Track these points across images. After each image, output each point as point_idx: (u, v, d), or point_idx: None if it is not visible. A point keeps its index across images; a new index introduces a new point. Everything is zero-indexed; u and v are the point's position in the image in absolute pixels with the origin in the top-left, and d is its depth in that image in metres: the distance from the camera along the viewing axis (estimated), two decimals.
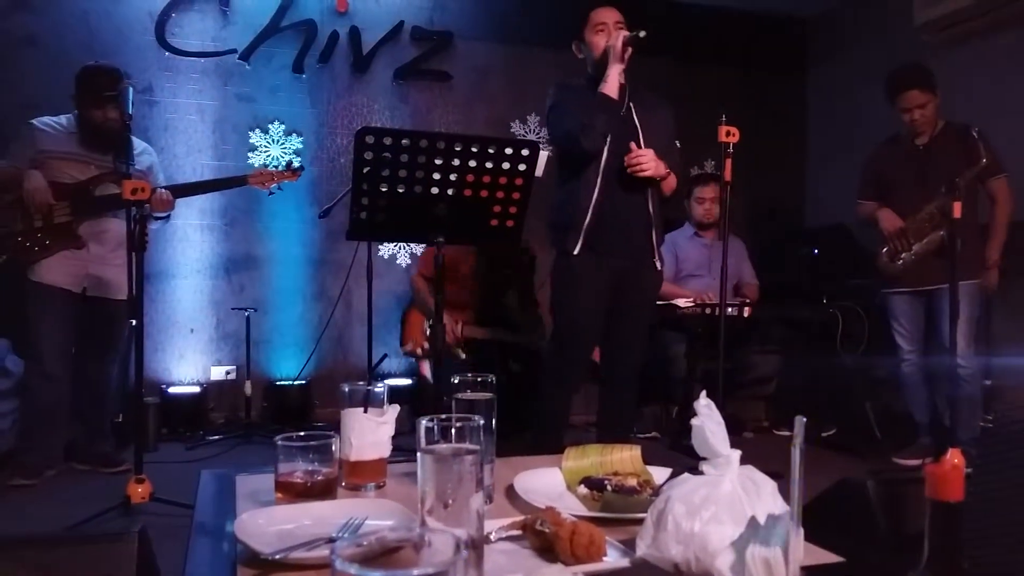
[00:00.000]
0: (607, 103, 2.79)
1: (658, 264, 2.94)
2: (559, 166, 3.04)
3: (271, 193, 3.86)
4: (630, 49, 2.80)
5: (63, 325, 3.43)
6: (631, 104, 2.89)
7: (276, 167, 4.38)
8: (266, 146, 4.75)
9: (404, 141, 2.04)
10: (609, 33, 2.85)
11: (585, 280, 2.86)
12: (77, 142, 3.45)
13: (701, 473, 0.94)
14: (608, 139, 2.82)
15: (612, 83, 2.80)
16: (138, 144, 3.52)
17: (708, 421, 0.93)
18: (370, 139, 2.03)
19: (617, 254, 2.86)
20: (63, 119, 3.49)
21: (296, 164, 3.94)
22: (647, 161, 2.76)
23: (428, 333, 4.09)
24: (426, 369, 4.52)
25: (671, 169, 2.88)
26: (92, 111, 3.41)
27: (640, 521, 0.96)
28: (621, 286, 2.90)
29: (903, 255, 3.71)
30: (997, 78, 4.35)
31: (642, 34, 2.76)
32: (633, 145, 2.80)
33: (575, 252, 2.84)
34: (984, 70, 4.41)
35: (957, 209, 3.01)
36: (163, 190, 3.49)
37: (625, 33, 2.79)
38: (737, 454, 0.93)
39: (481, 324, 4.08)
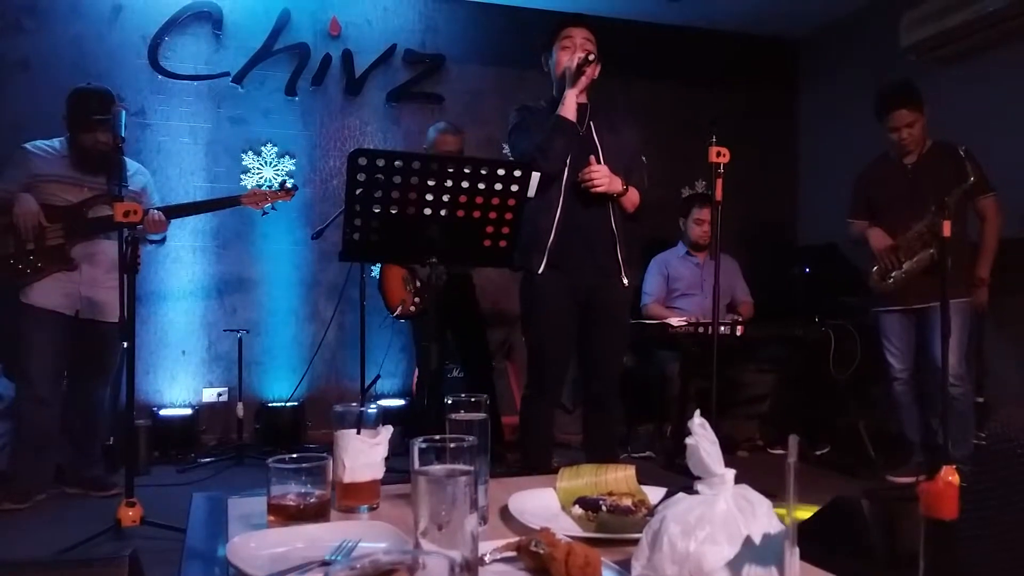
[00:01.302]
0: (564, 125, 2.80)
1: (625, 280, 2.94)
2: None
3: (265, 213, 3.84)
4: (587, 71, 2.81)
5: (55, 348, 3.41)
6: (591, 123, 2.90)
7: (269, 188, 4.38)
8: (259, 168, 4.76)
9: (397, 163, 2.05)
10: (575, 49, 2.86)
11: (550, 299, 2.86)
12: (69, 165, 3.44)
13: (696, 492, 0.94)
14: (569, 160, 2.83)
15: (569, 106, 2.81)
16: (131, 165, 3.52)
17: (702, 440, 0.93)
18: (363, 161, 2.03)
19: (582, 272, 2.86)
20: (55, 142, 3.48)
21: (290, 184, 3.94)
22: (599, 177, 2.76)
23: (408, 287, 4.16)
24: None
25: (634, 185, 2.89)
26: (82, 134, 3.40)
27: (635, 541, 0.95)
28: (589, 304, 2.89)
29: (893, 273, 3.73)
30: (984, 98, 4.39)
31: (591, 57, 2.80)
32: (592, 159, 2.81)
33: (539, 271, 2.84)
34: (970, 90, 4.46)
35: (947, 228, 3.02)
36: (156, 211, 3.48)
37: (579, 56, 2.80)
38: (732, 473, 0.93)
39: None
